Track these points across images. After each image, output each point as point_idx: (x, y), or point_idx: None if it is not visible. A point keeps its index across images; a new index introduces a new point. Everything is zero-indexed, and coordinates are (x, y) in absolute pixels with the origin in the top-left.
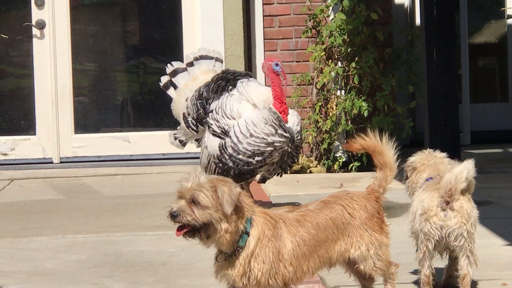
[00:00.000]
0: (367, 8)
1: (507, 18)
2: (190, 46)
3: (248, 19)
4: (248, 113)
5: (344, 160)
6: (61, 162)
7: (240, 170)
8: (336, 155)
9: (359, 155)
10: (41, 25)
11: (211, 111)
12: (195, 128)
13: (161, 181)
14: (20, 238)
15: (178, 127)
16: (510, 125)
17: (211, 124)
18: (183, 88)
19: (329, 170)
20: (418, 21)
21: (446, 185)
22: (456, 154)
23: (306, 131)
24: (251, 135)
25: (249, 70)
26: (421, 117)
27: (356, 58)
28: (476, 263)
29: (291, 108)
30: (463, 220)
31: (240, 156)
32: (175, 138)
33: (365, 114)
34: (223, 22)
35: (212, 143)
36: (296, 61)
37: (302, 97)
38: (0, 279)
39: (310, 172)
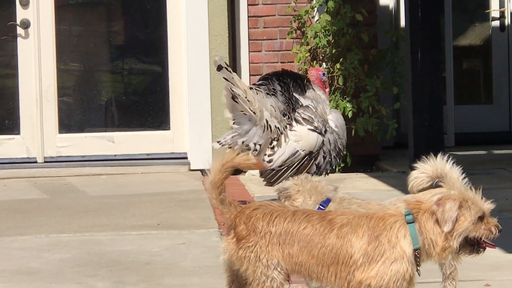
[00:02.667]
0: (352, 10)
1: (492, 21)
2: (175, 46)
3: (233, 19)
4: (333, 112)
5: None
6: (45, 162)
7: (330, 164)
8: None
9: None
10: (25, 25)
11: (304, 107)
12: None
13: (145, 181)
14: (4, 237)
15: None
16: (494, 127)
17: (310, 120)
18: None
19: None
20: (403, 22)
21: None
22: None
23: None
24: (343, 131)
25: (234, 71)
26: (406, 118)
27: (341, 59)
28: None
29: None
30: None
31: (337, 150)
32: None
33: (350, 115)
34: (208, 22)
35: (309, 138)
36: (281, 62)
37: None
38: None
39: None
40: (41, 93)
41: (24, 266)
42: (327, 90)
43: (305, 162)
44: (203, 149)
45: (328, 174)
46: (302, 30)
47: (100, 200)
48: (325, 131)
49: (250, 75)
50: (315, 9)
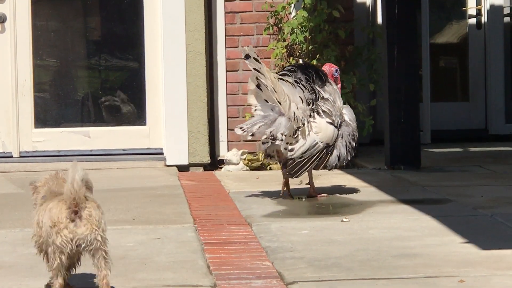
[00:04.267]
0: (328, 6)
1: (468, 18)
2: (151, 41)
3: (210, 15)
4: (346, 107)
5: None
6: (21, 157)
7: (350, 155)
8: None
9: None
10: (1, 19)
11: (324, 100)
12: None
13: (121, 176)
14: None
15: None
16: (470, 124)
17: (329, 113)
18: None
19: None
20: (379, 19)
21: (69, 195)
22: (416, 153)
23: None
24: (356, 125)
25: (210, 67)
26: (382, 115)
27: (318, 56)
28: (111, 263)
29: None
30: (94, 227)
31: (353, 143)
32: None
33: None
34: (185, 18)
35: (327, 131)
36: None
37: None
38: None
39: (270, 169)
40: (17, 87)
41: None
42: (339, 86)
43: (323, 155)
44: (179, 144)
45: (346, 165)
46: (279, 26)
47: None
48: (340, 124)
49: (226, 70)
50: (292, 5)
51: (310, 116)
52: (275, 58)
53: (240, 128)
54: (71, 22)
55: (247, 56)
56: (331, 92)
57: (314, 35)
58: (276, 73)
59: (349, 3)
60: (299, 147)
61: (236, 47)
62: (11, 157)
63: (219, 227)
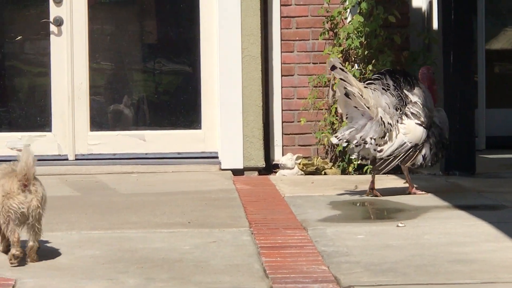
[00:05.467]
0: (384, 11)
1: None
2: (207, 45)
3: (266, 20)
4: (436, 110)
5: (359, 162)
6: (76, 159)
7: (436, 156)
8: (351, 157)
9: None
10: (58, 22)
11: (413, 103)
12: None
13: (176, 179)
14: None
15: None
16: None
17: (418, 115)
18: None
19: (344, 172)
20: (435, 25)
21: (21, 171)
22: (471, 159)
23: (322, 133)
24: (446, 127)
25: (266, 71)
26: None
27: (373, 61)
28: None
29: (307, 110)
30: (38, 203)
31: (440, 145)
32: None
33: None
34: (241, 22)
35: (416, 132)
36: (313, 63)
37: (318, 99)
38: (16, 272)
39: (325, 173)
40: (73, 90)
41: (55, 261)
42: (435, 87)
43: (411, 153)
44: (234, 148)
45: (433, 165)
46: (334, 31)
47: (130, 198)
48: (430, 126)
49: (282, 75)
50: (348, 10)
51: (399, 119)
52: None
53: (335, 137)
54: (126, 25)
55: (333, 67)
56: (420, 95)
57: (369, 40)
58: (364, 81)
59: (405, 9)
60: (388, 148)
61: (291, 52)
62: (67, 159)
63: (275, 231)
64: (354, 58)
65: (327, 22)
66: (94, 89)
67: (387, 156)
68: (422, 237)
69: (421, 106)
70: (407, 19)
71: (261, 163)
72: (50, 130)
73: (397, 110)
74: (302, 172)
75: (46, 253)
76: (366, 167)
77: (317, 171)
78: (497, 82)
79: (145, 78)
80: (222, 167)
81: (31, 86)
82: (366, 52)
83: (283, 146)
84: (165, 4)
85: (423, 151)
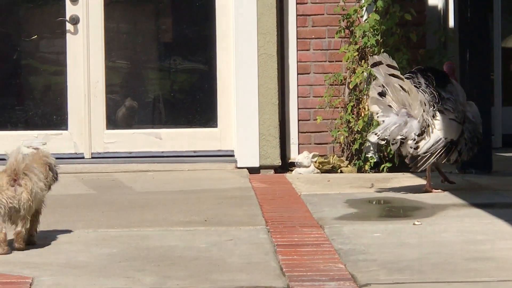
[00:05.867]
0: (401, 9)
1: None
2: (223, 44)
3: (282, 18)
4: (469, 105)
5: (375, 160)
6: (92, 158)
7: (472, 151)
8: (367, 155)
9: (391, 156)
10: (75, 21)
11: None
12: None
13: (192, 178)
14: (52, 231)
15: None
16: None
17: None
18: None
19: (360, 170)
20: (451, 23)
21: (10, 167)
22: (487, 157)
23: (338, 131)
24: (479, 122)
25: (282, 69)
26: None
27: None
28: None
29: (323, 108)
30: (29, 195)
31: (475, 140)
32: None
33: None
34: (257, 20)
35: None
36: (329, 61)
37: (334, 97)
38: (33, 270)
39: (341, 172)
40: (89, 89)
41: (72, 259)
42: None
43: (447, 149)
44: (250, 146)
45: (468, 159)
46: (350, 29)
47: (147, 196)
48: (464, 121)
49: (297, 73)
50: (364, 8)
51: (434, 115)
52: (346, 61)
53: (375, 133)
54: (142, 24)
55: (375, 64)
56: (452, 91)
57: (385, 38)
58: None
59: (421, 7)
60: (424, 144)
61: (307, 50)
62: (83, 158)
63: (291, 229)
64: (370, 56)
65: (343, 20)
66: (110, 88)
67: (424, 153)
68: (438, 235)
69: (454, 102)
70: (423, 17)
71: (277, 162)
72: (66, 129)
73: (430, 107)
74: (318, 170)
75: (63, 251)
76: (383, 165)
77: (333, 169)
78: None
79: (161, 77)
80: (238, 166)
81: (47, 84)
82: (382, 50)
83: (299, 144)
84: (181, 2)
85: (459, 147)
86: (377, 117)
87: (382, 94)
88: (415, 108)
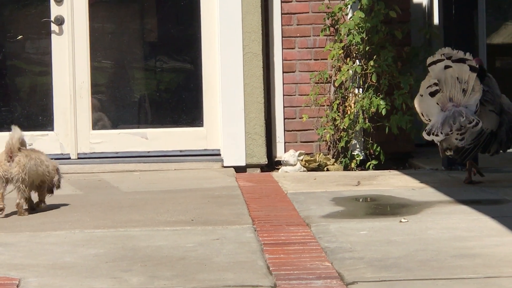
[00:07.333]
0: (385, 7)
1: None
2: (208, 43)
3: (267, 16)
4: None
5: (361, 158)
6: (78, 158)
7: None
8: (353, 153)
9: (377, 153)
10: (59, 21)
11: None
12: None
13: (179, 177)
14: (38, 232)
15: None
16: None
17: (491, 102)
18: None
19: (346, 168)
20: (436, 20)
21: (8, 146)
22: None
23: (324, 129)
24: None
25: (267, 68)
26: None
27: (374, 57)
28: (25, 195)
29: (308, 106)
30: (20, 169)
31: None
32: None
33: (383, 112)
34: (242, 19)
35: (492, 118)
36: (314, 59)
37: (320, 95)
38: (20, 272)
39: (327, 170)
40: (74, 89)
41: (59, 260)
42: None
43: (487, 141)
44: (236, 145)
45: (505, 151)
46: (335, 27)
47: (133, 196)
48: (501, 112)
49: (283, 72)
50: (349, 6)
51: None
52: (331, 59)
53: (425, 131)
54: (127, 24)
55: (433, 63)
56: (489, 83)
57: (370, 36)
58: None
59: (405, 4)
60: (468, 136)
61: (293, 48)
62: (69, 158)
63: (278, 227)
64: (356, 54)
65: (328, 18)
66: (95, 88)
67: (468, 145)
68: (425, 232)
69: (492, 94)
70: (408, 14)
71: (264, 160)
72: (52, 129)
73: None
74: (305, 169)
75: (50, 252)
76: (369, 163)
77: (320, 168)
78: (498, 77)
79: (146, 76)
80: (225, 165)
81: (32, 85)
82: (367, 48)
83: (285, 142)
84: (166, 2)
85: (499, 138)
86: (422, 115)
87: (434, 94)
88: (466, 101)
